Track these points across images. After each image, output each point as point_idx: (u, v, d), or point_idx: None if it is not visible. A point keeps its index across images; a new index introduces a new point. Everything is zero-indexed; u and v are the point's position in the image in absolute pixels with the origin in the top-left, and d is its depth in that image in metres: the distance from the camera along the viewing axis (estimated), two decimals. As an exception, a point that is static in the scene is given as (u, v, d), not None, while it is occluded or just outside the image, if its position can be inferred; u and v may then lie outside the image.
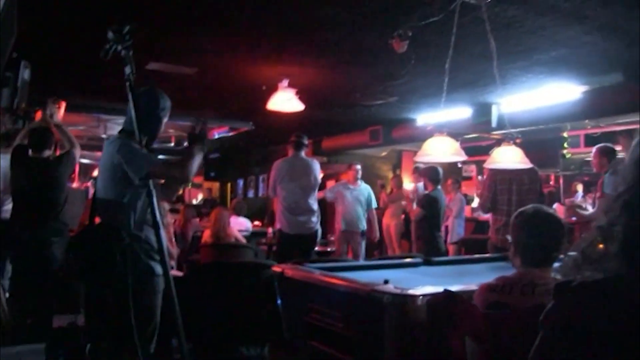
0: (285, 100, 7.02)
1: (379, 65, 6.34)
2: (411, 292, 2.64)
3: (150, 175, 2.93)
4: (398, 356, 2.64)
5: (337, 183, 8.82)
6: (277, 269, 3.70)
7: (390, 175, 12.48)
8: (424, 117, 9.34)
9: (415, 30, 4.90)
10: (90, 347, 3.14)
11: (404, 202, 8.81)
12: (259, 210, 12.90)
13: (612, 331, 0.96)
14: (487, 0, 4.30)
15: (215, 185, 17.33)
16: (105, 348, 3.06)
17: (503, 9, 4.55)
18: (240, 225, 8.15)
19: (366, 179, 9.28)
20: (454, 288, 2.53)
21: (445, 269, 4.22)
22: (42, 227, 4.83)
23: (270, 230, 8.54)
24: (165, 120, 3.34)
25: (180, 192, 14.62)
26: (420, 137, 6.60)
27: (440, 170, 7.06)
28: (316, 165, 6.57)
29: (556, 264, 2.39)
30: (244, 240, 7.05)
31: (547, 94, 7.38)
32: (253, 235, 8.51)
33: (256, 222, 10.50)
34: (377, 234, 8.62)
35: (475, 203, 10.25)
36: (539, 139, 8.72)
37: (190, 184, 15.25)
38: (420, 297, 2.59)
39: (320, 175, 6.70)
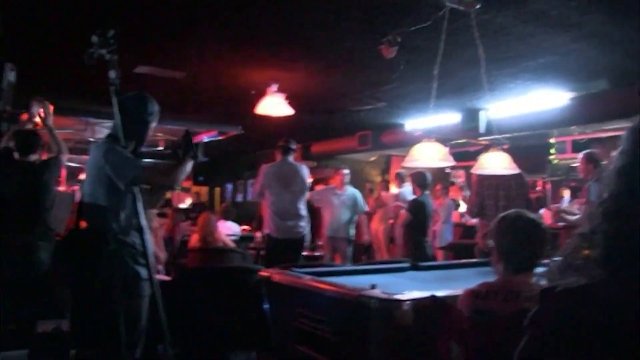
0: (274, 105, 7.02)
1: (368, 71, 6.36)
2: (398, 297, 2.64)
3: (136, 180, 2.92)
4: (385, 361, 2.64)
5: (325, 187, 8.76)
6: (264, 273, 3.69)
7: (379, 180, 12.50)
8: (413, 123, 9.37)
9: (404, 36, 4.92)
10: (76, 352, 3.12)
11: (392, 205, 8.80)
12: (247, 215, 12.87)
13: (595, 336, 0.97)
14: (476, 7, 4.32)
15: (204, 190, 17.28)
16: (90, 354, 3.04)
17: (492, 16, 4.58)
18: (228, 229, 8.11)
19: (355, 183, 9.27)
20: (441, 293, 2.53)
21: (433, 274, 4.23)
22: (28, 232, 4.79)
23: (258, 234, 8.52)
24: (153, 124, 3.33)
25: (168, 196, 14.57)
26: (409, 142, 6.62)
27: (429, 175, 7.08)
28: (305, 170, 6.57)
29: (539, 269, 2.38)
30: (232, 245, 7.02)
31: (535, 100, 7.43)
32: (242, 240, 8.47)
33: (245, 227, 10.47)
34: (367, 239, 8.63)
35: (463, 208, 10.29)
36: (527, 145, 8.77)
37: (179, 188, 15.20)
38: (407, 302, 2.59)
39: (309, 180, 6.70)
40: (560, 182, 11.39)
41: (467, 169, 9.92)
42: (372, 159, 12.62)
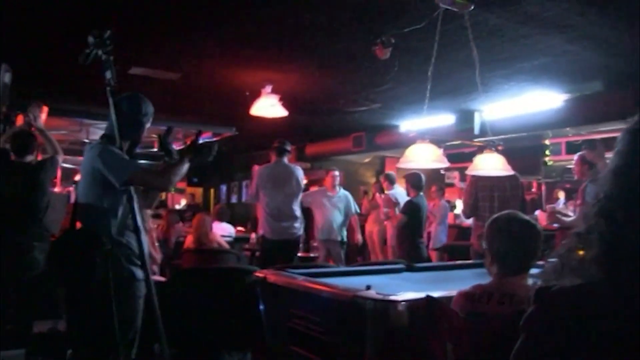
0: (268, 106, 7.02)
1: (363, 72, 6.37)
2: (393, 297, 2.65)
3: (131, 181, 2.92)
4: (380, 361, 2.64)
5: (316, 189, 8.71)
6: (259, 274, 3.69)
7: (373, 181, 12.50)
8: (407, 124, 9.39)
9: (399, 37, 4.93)
10: (72, 353, 3.12)
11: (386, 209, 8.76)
12: (242, 216, 12.86)
13: (590, 334, 0.98)
14: (470, 9, 4.34)
15: (199, 191, 17.26)
16: (86, 354, 3.04)
17: (486, 17, 4.60)
18: (223, 230, 8.11)
19: (349, 185, 9.27)
20: (436, 294, 2.53)
21: (428, 275, 4.24)
22: (23, 232, 4.78)
23: (253, 235, 8.51)
24: (147, 125, 3.33)
25: (163, 197, 14.55)
26: (403, 144, 6.64)
27: (423, 176, 7.09)
28: (299, 172, 6.57)
29: (533, 270, 2.38)
30: (226, 246, 7.02)
31: (529, 101, 7.45)
32: (236, 241, 8.47)
33: (239, 228, 10.46)
34: (360, 239, 8.61)
35: (458, 209, 10.30)
36: (521, 147, 8.79)
37: (173, 190, 15.18)
38: (402, 302, 2.60)
39: (303, 182, 6.70)
40: (554, 183, 11.43)
41: (462, 170, 9.96)
42: (367, 160, 12.62)
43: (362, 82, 6.84)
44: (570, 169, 9.57)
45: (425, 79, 4.80)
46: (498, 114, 7.88)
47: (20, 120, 5.31)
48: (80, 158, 3.49)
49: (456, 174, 11.95)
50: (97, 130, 9.35)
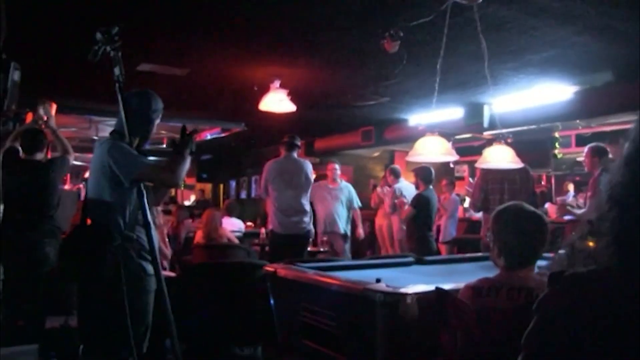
0: (277, 101, 7.02)
1: (371, 66, 6.36)
2: (403, 290, 2.65)
3: (140, 177, 2.93)
4: (390, 354, 2.65)
5: (317, 183, 8.64)
6: (269, 268, 3.70)
7: (383, 175, 12.49)
8: (416, 118, 9.36)
9: (407, 30, 4.91)
10: (83, 348, 3.14)
11: (396, 201, 8.70)
12: (252, 211, 12.89)
13: (603, 319, 0.98)
14: (478, 1, 4.32)
15: (208, 187, 17.31)
16: (98, 349, 3.06)
17: (494, 9, 4.57)
18: (232, 225, 8.14)
19: (359, 179, 9.27)
20: (446, 286, 2.54)
21: (437, 268, 4.24)
22: (34, 230, 4.82)
23: (263, 230, 8.53)
24: (157, 121, 3.34)
25: (173, 193, 14.60)
26: (412, 138, 6.62)
27: (432, 170, 7.08)
28: (308, 166, 6.58)
29: (540, 262, 2.36)
30: (236, 241, 7.05)
31: (539, 94, 7.41)
32: (246, 236, 8.50)
33: (249, 223, 10.50)
34: (362, 234, 8.58)
35: (467, 203, 10.29)
36: (531, 139, 8.75)
37: (183, 186, 15.23)
38: (412, 295, 2.61)
39: (312, 176, 6.70)
40: (564, 176, 11.38)
41: (471, 163, 9.94)
42: (376, 154, 12.61)
43: (371, 76, 6.82)
44: (580, 161, 9.53)
45: (434, 72, 4.78)
46: (507, 107, 7.84)
47: (29, 118, 5.34)
48: (90, 155, 3.51)
49: (466, 167, 11.92)
50: (106, 127, 9.38)
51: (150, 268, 2.98)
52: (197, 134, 3.33)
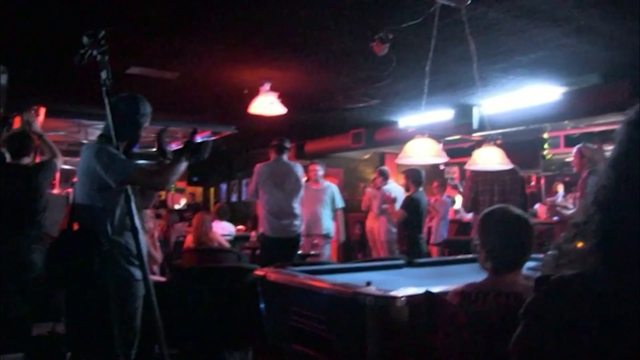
0: (267, 104, 7.01)
1: (361, 68, 6.36)
2: (393, 293, 2.65)
3: (127, 181, 2.91)
4: (381, 357, 2.64)
5: None
6: (259, 272, 3.69)
7: (373, 177, 12.50)
8: (406, 120, 9.37)
9: (396, 33, 4.91)
10: (71, 355, 3.12)
11: (384, 206, 8.69)
12: (242, 215, 12.86)
13: (589, 322, 0.98)
14: (467, 3, 4.32)
15: (199, 190, 17.26)
16: (86, 356, 3.03)
17: (482, 11, 4.58)
18: (223, 229, 8.11)
19: (349, 181, 9.26)
20: (436, 289, 2.53)
21: (428, 271, 4.24)
22: (20, 235, 4.77)
23: (253, 234, 8.51)
24: (145, 125, 3.33)
25: (163, 197, 14.55)
26: (402, 140, 6.62)
27: (423, 172, 7.09)
28: (299, 169, 6.58)
29: (530, 263, 2.36)
30: (227, 245, 7.02)
31: (528, 95, 7.43)
32: (237, 240, 8.47)
33: (240, 227, 10.47)
34: (343, 236, 8.57)
35: (458, 204, 10.31)
36: (520, 140, 8.78)
37: (172, 189, 15.19)
38: (402, 298, 2.60)
39: (303, 179, 6.69)
40: (553, 177, 11.42)
41: (461, 165, 9.96)
42: (366, 156, 12.61)
43: (361, 78, 6.82)
44: (569, 162, 9.57)
45: (423, 74, 4.78)
46: (496, 108, 7.85)
47: (17, 122, 5.30)
48: (78, 159, 3.49)
49: (456, 169, 11.94)
50: (95, 131, 9.32)
51: (138, 273, 2.96)
52: (197, 134, 3.33)
